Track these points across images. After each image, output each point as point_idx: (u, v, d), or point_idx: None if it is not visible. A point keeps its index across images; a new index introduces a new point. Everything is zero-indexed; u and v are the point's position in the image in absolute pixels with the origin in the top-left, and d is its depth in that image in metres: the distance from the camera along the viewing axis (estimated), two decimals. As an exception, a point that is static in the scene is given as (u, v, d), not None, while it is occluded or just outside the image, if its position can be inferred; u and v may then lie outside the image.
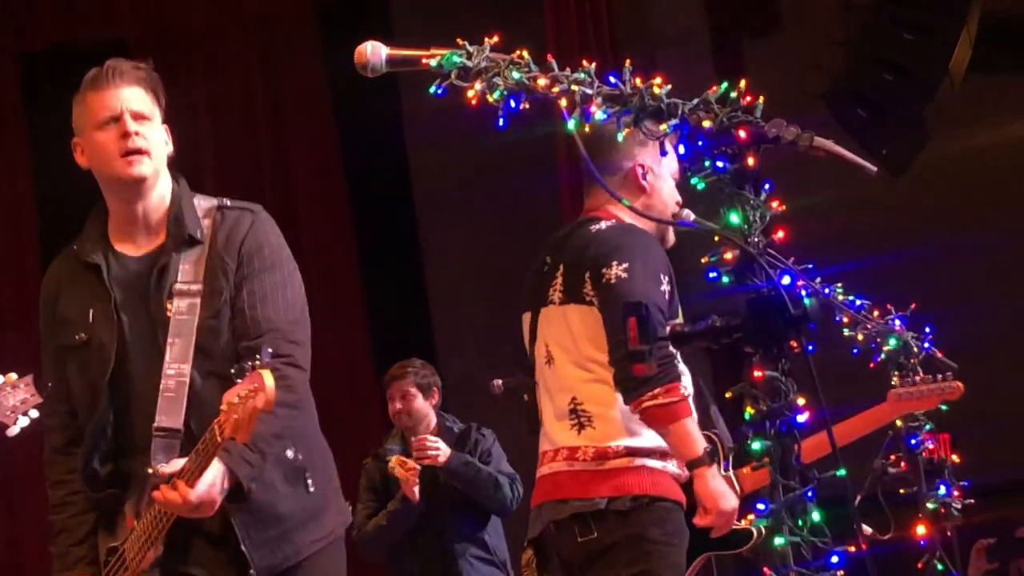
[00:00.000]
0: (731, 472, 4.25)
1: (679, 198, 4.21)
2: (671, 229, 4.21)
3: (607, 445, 4.00)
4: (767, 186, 3.09)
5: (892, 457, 5.00)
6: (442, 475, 6.36)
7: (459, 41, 2.89)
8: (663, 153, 3.62)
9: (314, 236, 8.84)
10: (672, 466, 4.00)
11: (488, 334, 7.08)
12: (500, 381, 6.21)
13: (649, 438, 3.98)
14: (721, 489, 3.90)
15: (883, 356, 5.00)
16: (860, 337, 4.93)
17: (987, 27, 7.64)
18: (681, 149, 3.11)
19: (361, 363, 8.83)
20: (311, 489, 3.51)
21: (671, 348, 3.77)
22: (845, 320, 4.87)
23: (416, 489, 6.25)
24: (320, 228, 9.08)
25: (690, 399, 3.92)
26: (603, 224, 4.13)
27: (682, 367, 3.98)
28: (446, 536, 6.40)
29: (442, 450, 6.31)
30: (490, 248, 8.64)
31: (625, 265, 3.98)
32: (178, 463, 3.31)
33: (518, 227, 7.65)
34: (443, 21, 7.86)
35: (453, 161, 8.78)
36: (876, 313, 4.96)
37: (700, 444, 3.89)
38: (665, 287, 3.99)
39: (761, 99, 3.05)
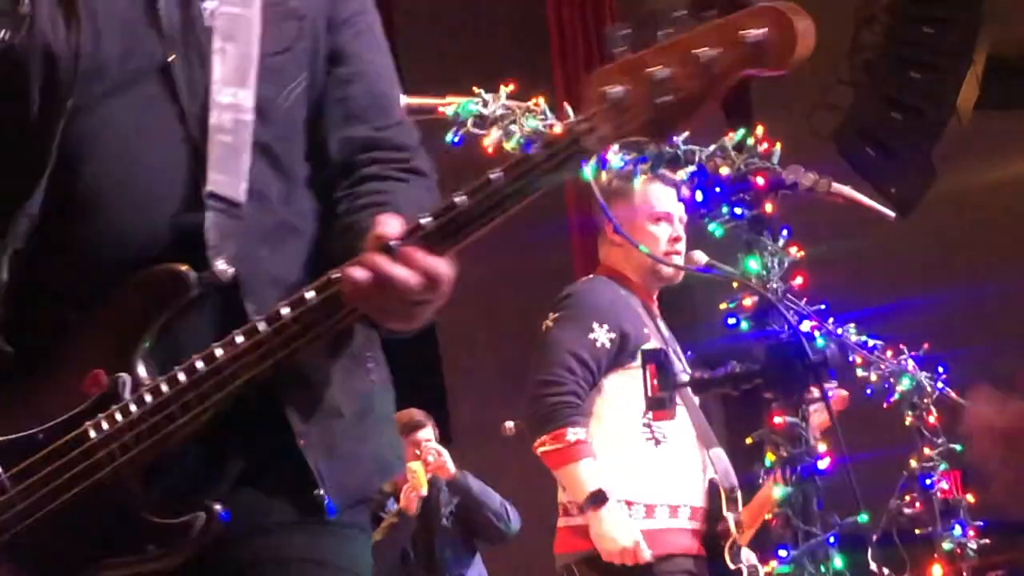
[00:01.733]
0: (729, 514, 4.21)
1: (677, 235, 4.21)
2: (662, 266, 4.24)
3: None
4: (785, 232, 3.11)
5: (907, 497, 4.99)
6: (443, 495, 6.31)
7: (475, 89, 2.91)
8: (680, 200, 3.63)
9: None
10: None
11: (499, 377, 7.08)
12: (512, 423, 6.19)
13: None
14: (605, 531, 3.93)
15: (897, 396, 5.01)
16: (874, 377, 4.94)
17: (994, 66, 7.66)
18: (699, 196, 3.12)
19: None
20: None
21: (570, 393, 3.89)
22: (859, 361, 4.88)
23: (416, 501, 6.19)
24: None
25: (582, 443, 3.96)
26: (583, 279, 4.27)
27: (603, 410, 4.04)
28: (437, 561, 6.37)
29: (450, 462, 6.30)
30: (501, 291, 8.65)
31: (557, 315, 4.08)
32: None
33: (529, 271, 7.66)
34: (447, 66, 7.89)
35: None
36: (890, 353, 4.97)
37: (587, 487, 3.94)
38: (598, 335, 4.04)
39: (778, 146, 3.08)
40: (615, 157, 3.07)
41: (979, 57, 7.70)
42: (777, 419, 2.94)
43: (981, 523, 5.01)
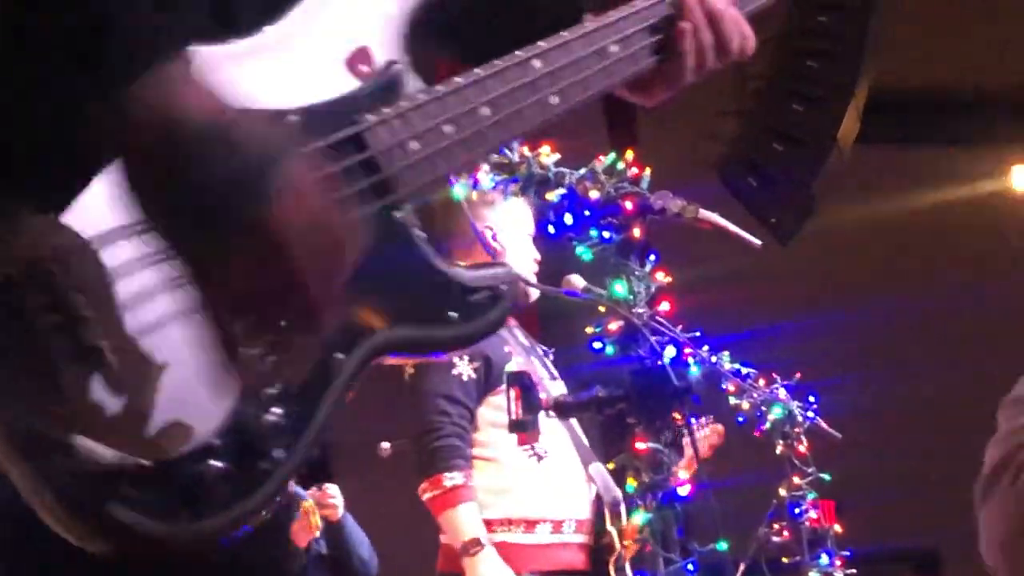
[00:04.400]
0: (614, 529, 4.23)
1: (536, 255, 4.22)
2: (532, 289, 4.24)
3: None
4: (653, 257, 3.11)
5: (776, 526, 5.02)
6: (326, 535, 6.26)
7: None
8: (547, 222, 3.62)
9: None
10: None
11: (378, 398, 7.02)
12: (387, 445, 6.16)
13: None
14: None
15: (768, 425, 5.03)
16: (746, 406, 4.95)
17: (875, 100, 7.77)
18: (568, 219, 3.11)
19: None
20: None
21: (447, 436, 3.92)
22: (731, 389, 4.89)
23: (306, 539, 6.14)
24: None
25: (459, 488, 3.97)
26: None
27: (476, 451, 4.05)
28: None
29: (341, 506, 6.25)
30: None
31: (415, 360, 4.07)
32: None
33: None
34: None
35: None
36: (762, 382, 4.99)
37: (464, 534, 3.95)
38: (461, 369, 4.05)
39: (648, 171, 3.07)
40: (486, 177, 3.05)
41: (861, 92, 7.80)
42: (639, 444, 2.92)
43: (848, 553, 5.04)
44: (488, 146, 1.48)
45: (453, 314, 1.42)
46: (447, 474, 3.97)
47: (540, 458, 4.03)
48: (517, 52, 1.53)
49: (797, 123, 7.77)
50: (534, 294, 4.24)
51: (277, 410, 1.28)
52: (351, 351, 1.34)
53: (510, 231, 4.19)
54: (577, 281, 3.97)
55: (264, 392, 1.28)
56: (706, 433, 4.86)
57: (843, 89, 7.78)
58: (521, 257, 4.20)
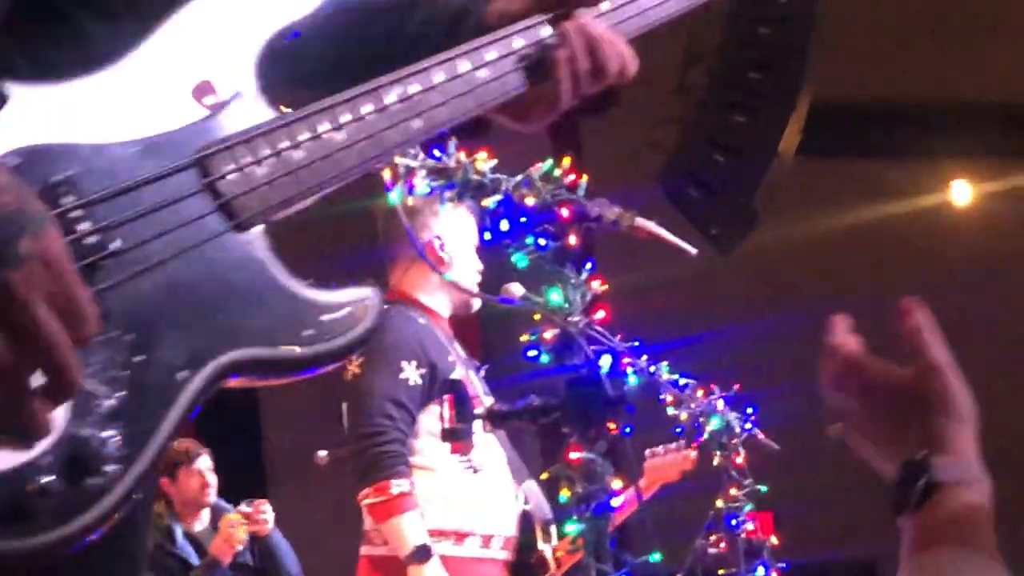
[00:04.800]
0: (547, 548, 4.20)
1: (480, 266, 4.19)
2: (475, 299, 4.20)
3: None
4: (589, 265, 3.08)
5: (712, 537, 5.01)
6: (254, 548, 6.20)
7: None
8: (483, 229, 3.59)
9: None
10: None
11: (316, 405, 6.96)
12: (324, 453, 6.10)
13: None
14: None
15: (706, 436, 5.02)
16: (684, 417, 4.93)
17: (816, 112, 7.80)
18: (504, 225, 3.08)
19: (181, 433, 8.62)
20: None
21: (392, 442, 3.86)
22: (669, 399, 4.88)
23: (231, 553, 6.08)
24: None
25: (406, 496, 3.91)
26: None
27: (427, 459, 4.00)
28: None
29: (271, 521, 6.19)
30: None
31: (361, 360, 4.00)
32: None
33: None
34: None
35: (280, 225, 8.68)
36: (701, 393, 4.98)
37: (410, 542, 3.88)
38: (408, 374, 3.99)
39: (584, 178, 3.05)
40: (422, 183, 3.01)
41: (802, 104, 7.83)
42: (573, 454, 2.89)
43: (783, 564, 5.04)
44: (342, 170, 1.49)
45: (307, 333, 1.42)
46: (394, 481, 3.90)
47: (476, 471, 3.99)
48: (377, 79, 1.54)
49: (738, 135, 7.79)
50: (476, 304, 4.20)
51: (112, 428, 1.30)
52: (195, 370, 1.35)
53: (456, 240, 4.16)
54: (516, 289, 3.94)
55: (96, 411, 1.29)
56: (676, 458, 4.83)
57: (784, 101, 7.80)
58: (466, 267, 4.16)
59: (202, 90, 1.44)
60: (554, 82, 1.65)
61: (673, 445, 4.85)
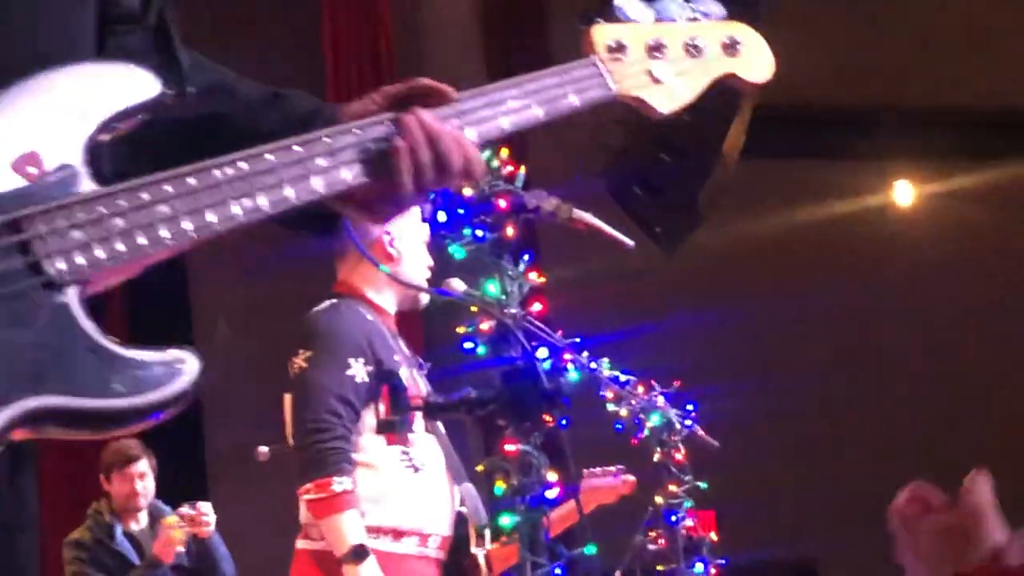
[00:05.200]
0: (480, 551, 4.18)
1: (430, 262, 4.17)
2: (423, 294, 4.17)
3: None
4: (527, 257, 3.07)
5: (652, 533, 5.01)
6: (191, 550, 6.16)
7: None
8: (424, 220, 3.57)
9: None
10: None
11: (257, 401, 6.92)
12: (266, 448, 6.06)
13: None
14: None
15: (646, 432, 5.01)
16: (624, 413, 4.93)
17: (761, 113, 7.83)
18: (441, 216, 3.06)
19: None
20: None
21: (337, 439, 3.81)
22: (610, 395, 4.87)
23: (172, 553, 6.05)
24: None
25: (348, 494, 3.89)
26: (324, 304, 4.11)
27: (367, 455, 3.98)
28: None
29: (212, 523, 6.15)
30: (261, 314, 8.49)
31: (308, 354, 3.96)
32: None
33: (290, 294, 7.53)
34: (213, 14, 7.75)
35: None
36: (641, 389, 4.97)
37: (348, 541, 3.86)
38: (355, 371, 3.96)
39: (522, 169, 3.04)
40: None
41: (747, 105, 7.85)
42: (509, 447, 2.87)
43: (722, 561, 5.05)
44: (162, 241, 1.54)
45: (116, 387, 1.47)
46: (336, 478, 3.86)
47: (417, 469, 3.97)
48: (210, 160, 1.58)
49: (684, 135, 7.80)
50: (424, 300, 4.17)
51: None
52: None
53: (406, 236, 4.13)
54: (457, 285, 3.92)
55: None
56: (615, 483, 4.82)
57: (729, 102, 7.82)
58: (416, 263, 4.13)
59: (27, 160, 1.52)
60: (396, 174, 1.64)
61: (613, 468, 4.84)
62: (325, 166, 1.61)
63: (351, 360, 3.93)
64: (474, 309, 3.00)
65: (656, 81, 1.78)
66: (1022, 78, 8.56)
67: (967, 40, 8.55)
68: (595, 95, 1.74)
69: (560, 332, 3.95)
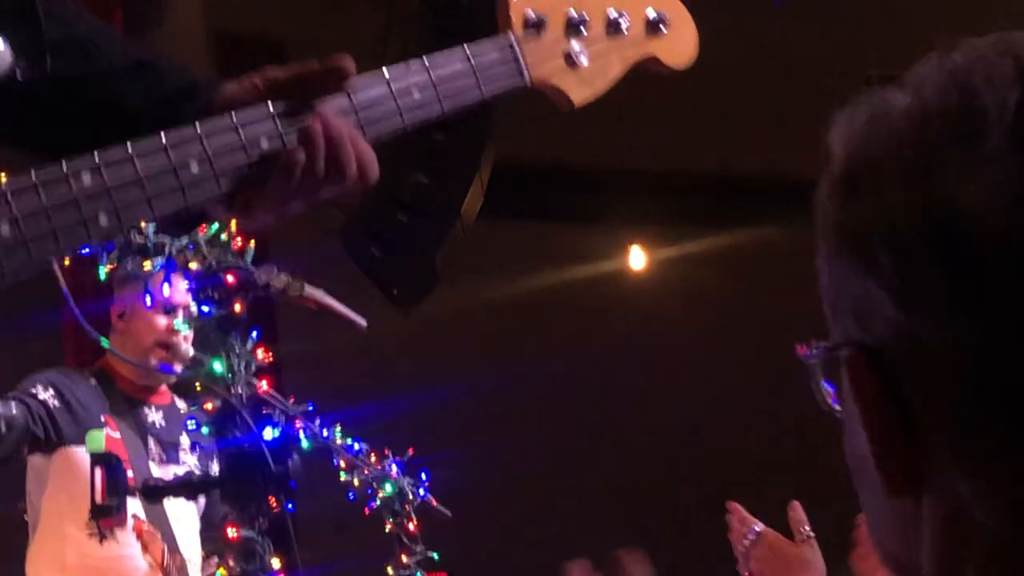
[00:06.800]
0: None
1: (161, 337, 4.02)
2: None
3: None
4: (255, 334, 2.98)
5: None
6: None
7: None
8: (146, 292, 3.42)
9: None
10: None
11: None
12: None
13: None
14: None
15: (378, 502, 4.94)
16: (356, 482, 4.85)
17: (500, 175, 7.87)
18: (166, 290, 2.95)
19: None
20: None
21: None
22: (343, 464, 4.79)
23: None
24: None
25: None
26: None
27: None
28: None
29: None
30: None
31: None
32: None
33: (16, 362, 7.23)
34: None
35: None
36: (374, 458, 4.90)
37: None
38: (39, 392, 3.86)
39: (252, 243, 2.95)
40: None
41: (486, 166, 7.90)
42: (231, 532, 2.77)
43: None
44: (20, 263, 1.31)
45: None
46: None
47: (103, 539, 3.81)
48: (69, 162, 1.34)
49: (421, 195, 7.79)
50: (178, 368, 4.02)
51: None
52: None
53: (135, 309, 3.97)
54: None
55: None
56: None
57: (468, 162, 7.85)
58: (143, 335, 3.96)
59: None
60: (285, 184, 1.45)
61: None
62: (199, 176, 1.38)
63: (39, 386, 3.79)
64: (198, 387, 2.89)
65: (573, 66, 1.62)
66: (738, 144, 8.79)
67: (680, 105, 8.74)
68: (506, 85, 1.58)
69: (292, 400, 3.86)
